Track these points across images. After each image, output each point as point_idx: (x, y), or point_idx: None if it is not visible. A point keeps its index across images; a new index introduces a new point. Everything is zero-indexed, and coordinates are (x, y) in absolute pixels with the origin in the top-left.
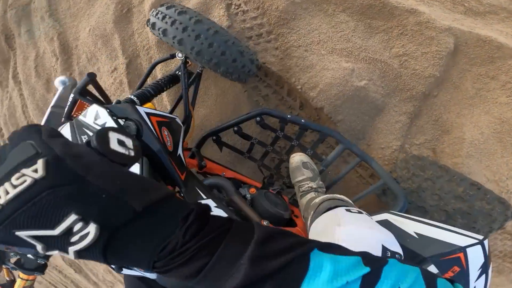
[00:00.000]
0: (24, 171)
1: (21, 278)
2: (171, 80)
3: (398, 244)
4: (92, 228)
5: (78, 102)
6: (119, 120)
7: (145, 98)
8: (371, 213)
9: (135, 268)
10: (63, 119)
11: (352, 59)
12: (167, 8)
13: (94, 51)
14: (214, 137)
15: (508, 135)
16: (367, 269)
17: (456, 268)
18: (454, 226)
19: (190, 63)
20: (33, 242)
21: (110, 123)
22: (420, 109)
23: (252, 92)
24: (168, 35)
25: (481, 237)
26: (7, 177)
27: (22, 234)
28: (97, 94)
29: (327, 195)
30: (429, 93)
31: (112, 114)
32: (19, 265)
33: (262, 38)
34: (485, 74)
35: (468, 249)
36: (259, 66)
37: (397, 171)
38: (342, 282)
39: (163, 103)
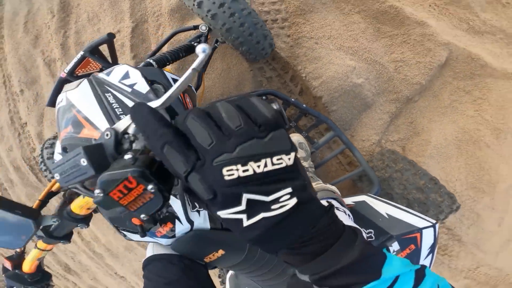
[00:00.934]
0: (283, 156)
1: (39, 248)
2: (187, 50)
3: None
4: (292, 202)
5: (85, 60)
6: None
7: (163, 63)
8: (351, 194)
9: (157, 238)
10: (64, 73)
11: (356, 58)
12: None
13: (98, 12)
14: None
15: (466, 144)
16: (418, 266)
17: (412, 246)
18: None
19: (209, 37)
20: (241, 203)
21: (142, 84)
22: (400, 110)
23: (258, 72)
24: (203, 7)
25: (434, 221)
26: (271, 155)
27: (246, 195)
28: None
29: (321, 184)
30: (411, 98)
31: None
32: (47, 233)
33: (276, 24)
34: (462, 88)
35: (423, 230)
36: (273, 50)
37: (374, 161)
38: (409, 269)
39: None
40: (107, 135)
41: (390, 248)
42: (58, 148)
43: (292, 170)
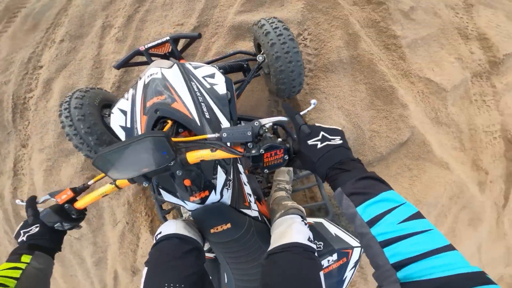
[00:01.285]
0: (339, 127)
1: (116, 185)
2: (238, 67)
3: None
4: (340, 141)
5: (163, 43)
6: None
7: (224, 72)
8: (314, 216)
9: (183, 201)
10: (143, 47)
11: (347, 119)
12: (278, 21)
13: (174, 1)
14: (239, 122)
15: None
16: (416, 210)
17: (344, 259)
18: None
19: (261, 65)
20: (319, 135)
21: (222, 87)
22: None
23: (273, 103)
24: (274, 48)
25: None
26: (331, 137)
27: (322, 132)
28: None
29: (295, 204)
30: (371, 163)
31: (225, 82)
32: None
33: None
34: (407, 165)
35: (354, 249)
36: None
37: (331, 200)
38: (404, 201)
39: None
40: (256, 123)
41: (330, 257)
42: (121, 105)
43: (342, 134)
